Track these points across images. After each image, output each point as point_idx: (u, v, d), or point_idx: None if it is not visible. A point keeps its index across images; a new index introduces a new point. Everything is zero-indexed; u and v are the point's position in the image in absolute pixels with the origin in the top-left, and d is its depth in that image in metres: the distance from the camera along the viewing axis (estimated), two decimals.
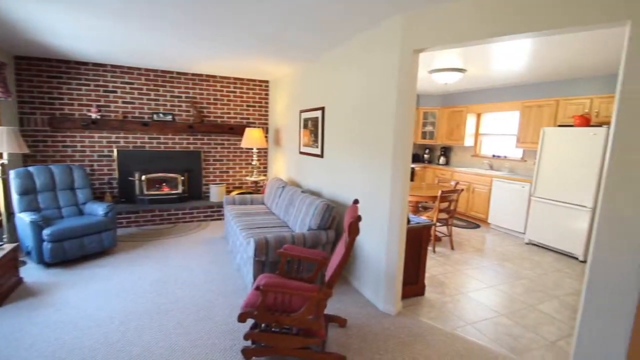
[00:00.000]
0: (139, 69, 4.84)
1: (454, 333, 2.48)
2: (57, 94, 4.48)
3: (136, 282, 3.15)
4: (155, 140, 5.07)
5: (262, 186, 5.50)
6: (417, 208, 4.60)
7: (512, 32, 1.96)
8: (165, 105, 5.05)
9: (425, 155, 7.24)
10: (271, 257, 2.84)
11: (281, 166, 5.29)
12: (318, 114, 3.82)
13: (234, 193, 5.19)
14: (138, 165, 4.97)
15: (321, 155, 3.82)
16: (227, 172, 5.49)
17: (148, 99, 4.96)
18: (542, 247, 4.47)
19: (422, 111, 6.89)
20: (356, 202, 2.36)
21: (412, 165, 6.63)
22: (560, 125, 4.61)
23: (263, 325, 2.19)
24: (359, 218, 1.97)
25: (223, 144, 5.41)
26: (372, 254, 2.90)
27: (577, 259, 4.05)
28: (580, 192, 3.99)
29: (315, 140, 3.94)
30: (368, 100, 2.91)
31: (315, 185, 4.05)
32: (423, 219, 3.03)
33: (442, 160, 6.86)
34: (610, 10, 1.61)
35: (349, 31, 2.93)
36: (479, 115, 6.29)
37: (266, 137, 5.74)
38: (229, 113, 5.40)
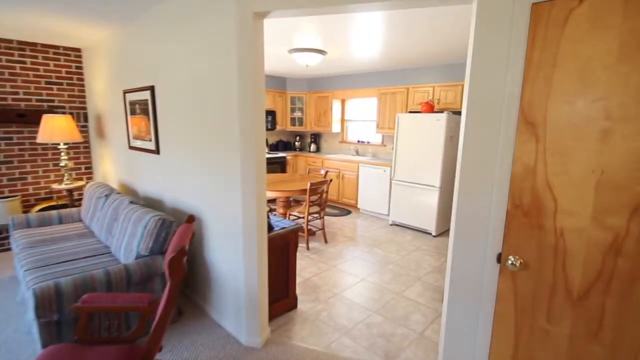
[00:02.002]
0: None
1: (329, 352, 2.15)
2: None
3: None
4: None
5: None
6: (289, 203, 4.22)
7: (362, 0, 1.61)
8: None
9: (297, 143, 6.99)
10: (71, 313, 1.89)
11: (109, 167, 4.02)
12: (147, 95, 2.87)
13: (36, 209, 3.67)
14: None
15: (157, 151, 2.91)
16: (24, 178, 3.82)
17: None
18: (403, 226, 4.78)
19: (290, 96, 6.54)
20: (190, 220, 1.68)
21: (284, 154, 6.26)
22: (410, 112, 4.96)
23: None
24: (182, 252, 1.31)
25: (11, 138, 3.70)
26: (229, 274, 2.30)
27: (430, 234, 4.45)
28: (430, 173, 4.34)
29: (148, 131, 2.98)
30: (205, 78, 2.21)
31: (155, 191, 3.12)
32: (288, 222, 2.59)
33: (312, 147, 6.73)
34: None
35: None
36: (343, 101, 6.35)
37: (84, 126, 4.28)
38: (16, 93, 3.71)
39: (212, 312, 2.52)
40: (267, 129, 6.30)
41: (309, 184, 3.68)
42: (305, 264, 3.45)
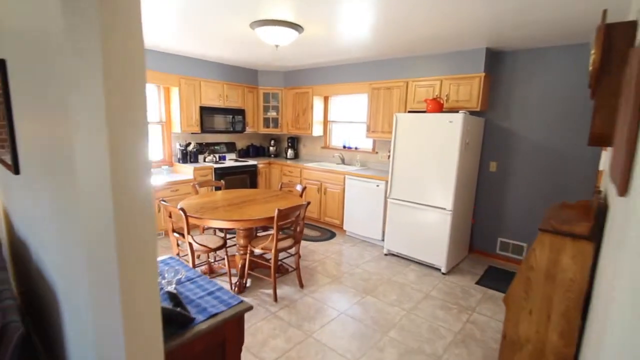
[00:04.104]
0: None
1: None
2: None
3: None
4: None
5: None
6: (253, 232, 3.12)
7: None
8: None
9: (271, 148, 5.88)
10: None
11: None
12: None
13: None
14: None
15: (15, 169, 1.75)
16: None
17: None
18: (402, 258, 3.75)
19: (263, 92, 5.43)
20: None
21: (254, 162, 5.13)
22: (410, 111, 3.96)
23: None
24: None
25: None
26: None
27: (439, 270, 3.43)
28: (439, 191, 3.33)
29: (6, 136, 1.83)
30: (46, 42, 1.10)
31: (22, 231, 1.96)
32: (233, 297, 1.48)
33: (290, 153, 5.63)
34: None
35: None
36: (326, 99, 5.29)
37: None
38: None
39: None
40: (236, 132, 5.18)
41: (276, 212, 2.59)
42: (268, 332, 2.36)
